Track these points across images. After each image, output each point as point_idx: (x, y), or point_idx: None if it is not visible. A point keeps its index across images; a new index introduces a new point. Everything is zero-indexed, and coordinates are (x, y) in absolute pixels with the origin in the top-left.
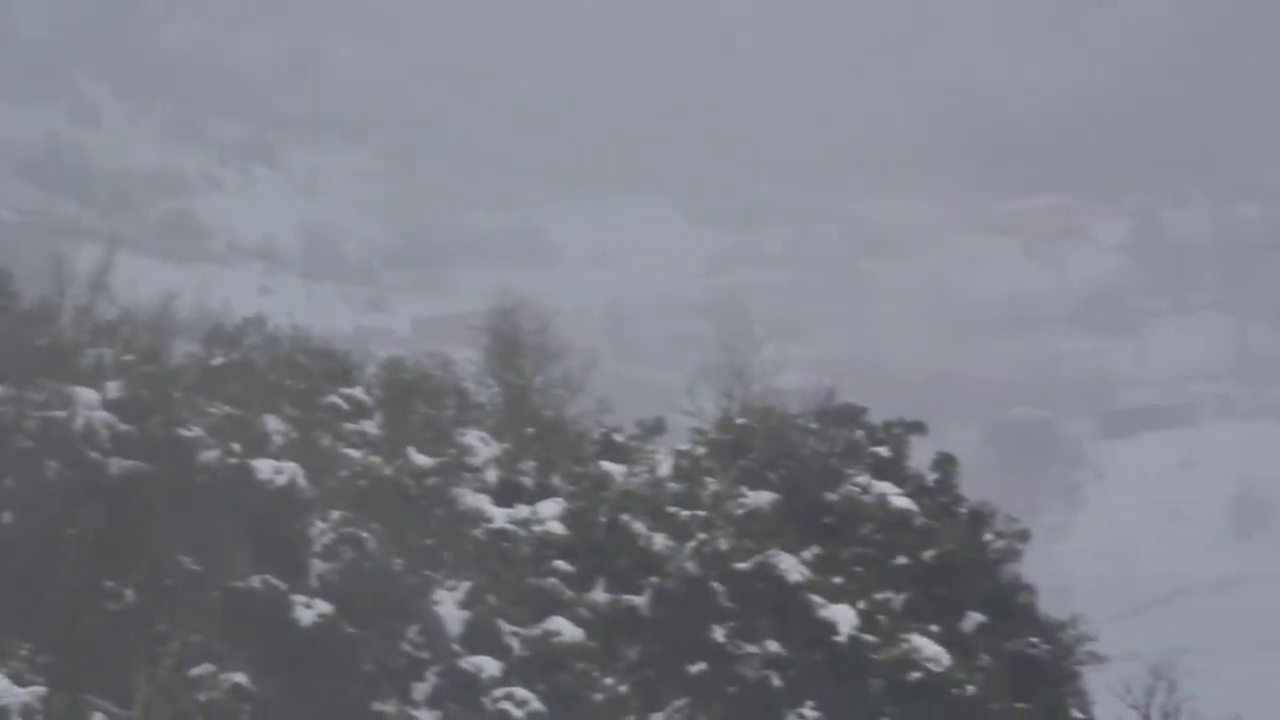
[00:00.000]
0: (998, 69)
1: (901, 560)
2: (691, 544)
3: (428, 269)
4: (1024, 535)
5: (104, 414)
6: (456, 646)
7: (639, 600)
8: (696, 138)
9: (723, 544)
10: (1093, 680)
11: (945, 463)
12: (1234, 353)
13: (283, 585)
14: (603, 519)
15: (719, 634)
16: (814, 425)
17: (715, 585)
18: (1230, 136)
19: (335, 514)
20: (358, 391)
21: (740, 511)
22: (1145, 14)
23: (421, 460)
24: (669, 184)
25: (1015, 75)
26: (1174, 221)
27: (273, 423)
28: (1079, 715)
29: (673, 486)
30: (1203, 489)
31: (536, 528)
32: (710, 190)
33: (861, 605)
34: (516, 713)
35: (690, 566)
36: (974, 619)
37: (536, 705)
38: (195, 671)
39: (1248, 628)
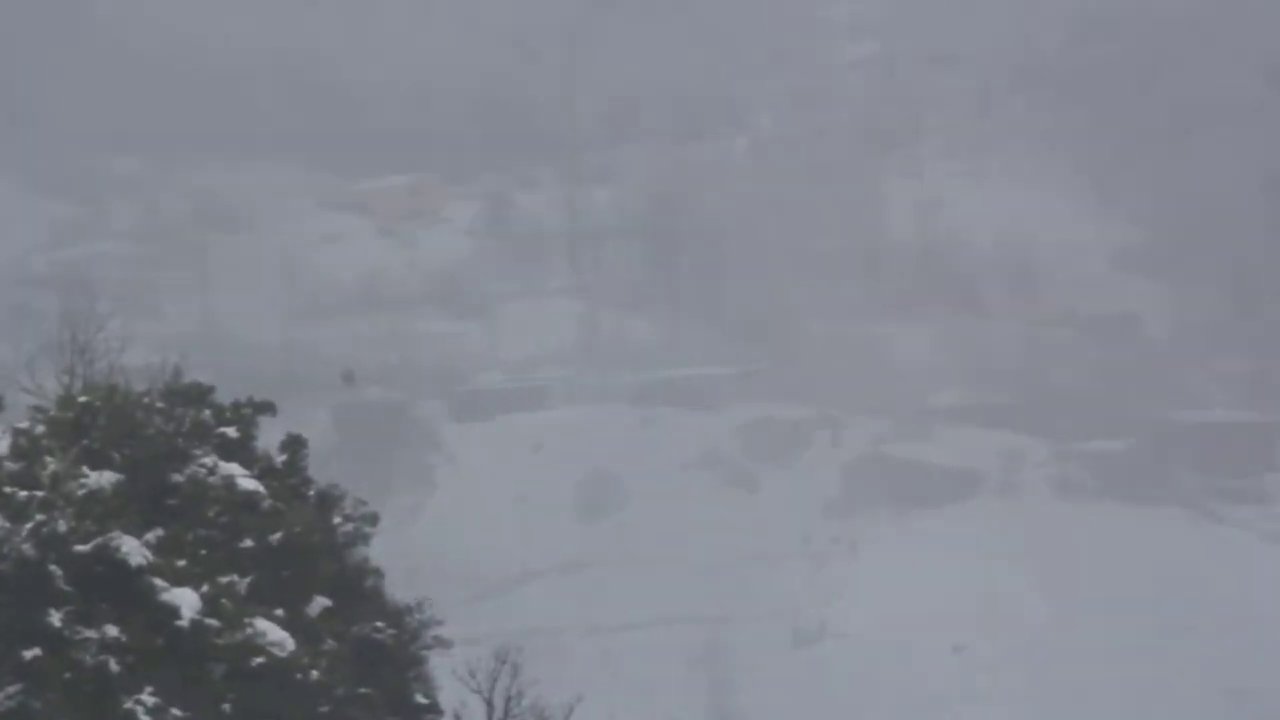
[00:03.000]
0: (349, 44)
1: (248, 543)
2: (29, 525)
3: None
4: (373, 518)
5: None
6: None
7: None
8: (38, 106)
9: (62, 525)
10: (438, 664)
11: (294, 444)
12: (583, 336)
13: None
14: None
15: (56, 618)
16: (160, 404)
17: (53, 568)
18: (578, 119)
19: None
20: None
21: (81, 492)
22: None
23: None
24: (4, 152)
25: (365, 51)
26: (526, 204)
27: None
28: (423, 700)
29: (10, 466)
30: (552, 473)
31: None
32: (52, 161)
33: (205, 589)
34: None
35: (27, 549)
36: (320, 603)
37: None
38: None
39: (591, 610)
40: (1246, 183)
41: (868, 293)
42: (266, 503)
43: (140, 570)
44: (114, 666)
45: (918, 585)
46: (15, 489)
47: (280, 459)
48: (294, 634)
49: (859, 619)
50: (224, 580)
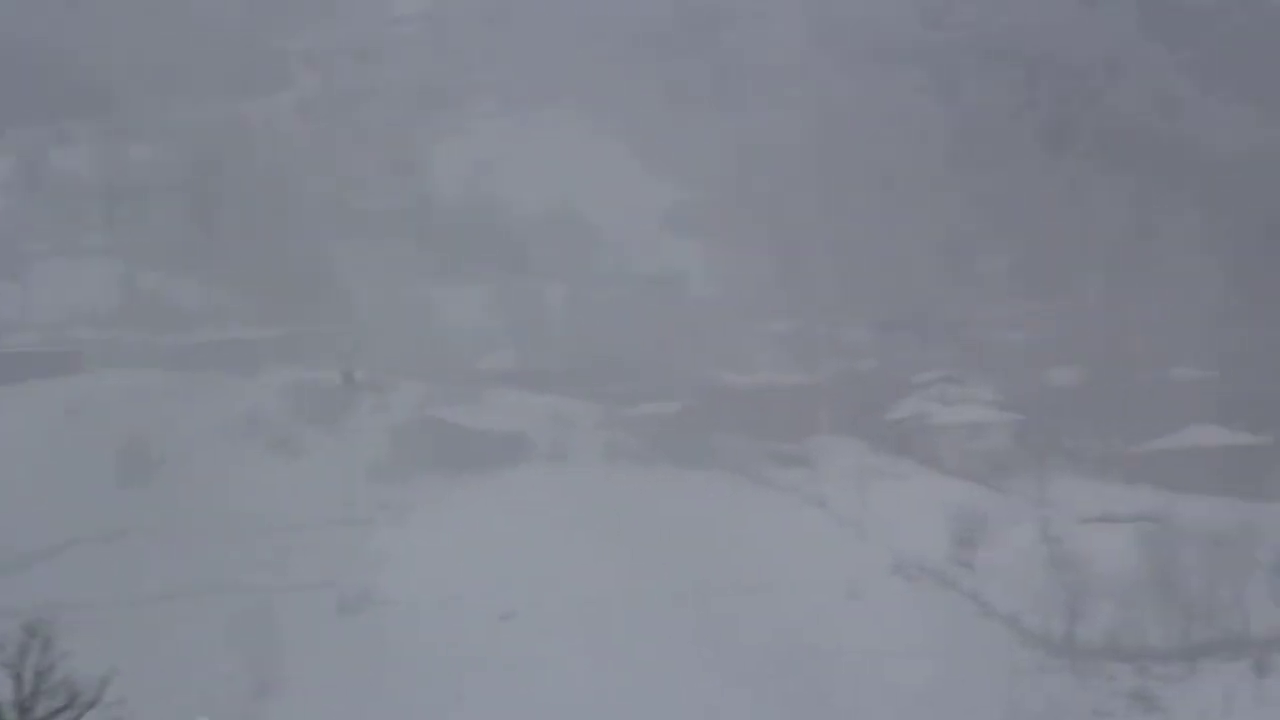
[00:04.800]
0: None
1: None
2: None
3: None
4: None
5: None
6: None
7: None
8: None
9: None
10: None
11: None
12: (121, 298)
13: None
14: None
15: None
16: None
17: None
18: (117, 73)
19: None
20: None
21: None
22: None
23: None
24: None
25: None
26: (61, 160)
27: None
28: None
29: None
30: (88, 438)
31: None
32: None
33: None
34: None
35: None
36: None
37: None
38: None
39: (129, 580)
40: (791, 145)
41: (416, 254)
42: None
43: None
44: None
45: (466, 552)
46: None
47: None
48: None
49: (406, 586)
50: None
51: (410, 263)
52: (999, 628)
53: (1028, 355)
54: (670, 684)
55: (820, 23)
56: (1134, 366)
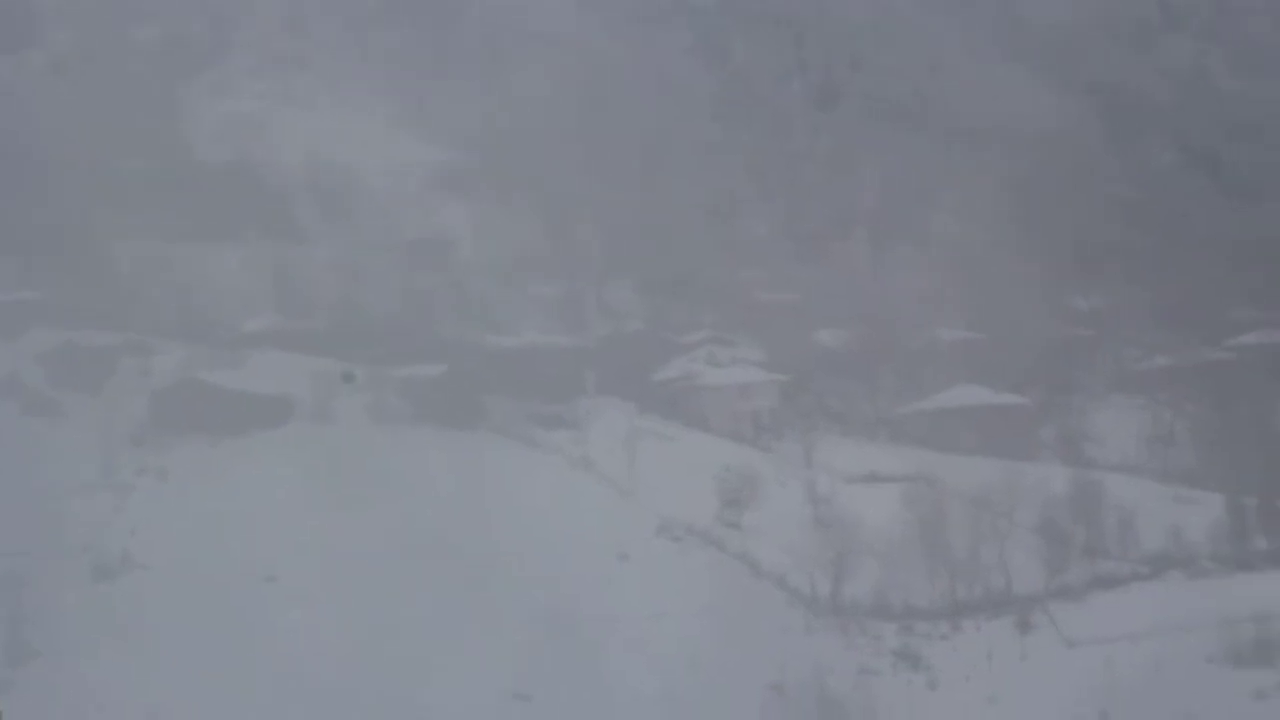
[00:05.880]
0: None
1: None
2: None
3: None
4: None
5: None
6: None
7: None
8: None
9: None
10: None
11: None
12: None
13: None
14: None
15: None
16: None
17: None
18: None
19: None
20: None
21: None
22: None
23: None
24: None
25: None
26: None
27: None
28: None
29: None
30: None
31: None
32: None
33: None
34: None
35: None
36: None
37: None
38: None
39: None
40: (558, 107)
41: (177, 216)
42: None
43: None
44: None
45: (229, 515)
46: None
47: None
48: None
49: (165, 551)
50: None
51: (171, 224)
52: (767, 588)
53: (796, 317)
54: (436, 646)
55: None
56: (901, 328)
